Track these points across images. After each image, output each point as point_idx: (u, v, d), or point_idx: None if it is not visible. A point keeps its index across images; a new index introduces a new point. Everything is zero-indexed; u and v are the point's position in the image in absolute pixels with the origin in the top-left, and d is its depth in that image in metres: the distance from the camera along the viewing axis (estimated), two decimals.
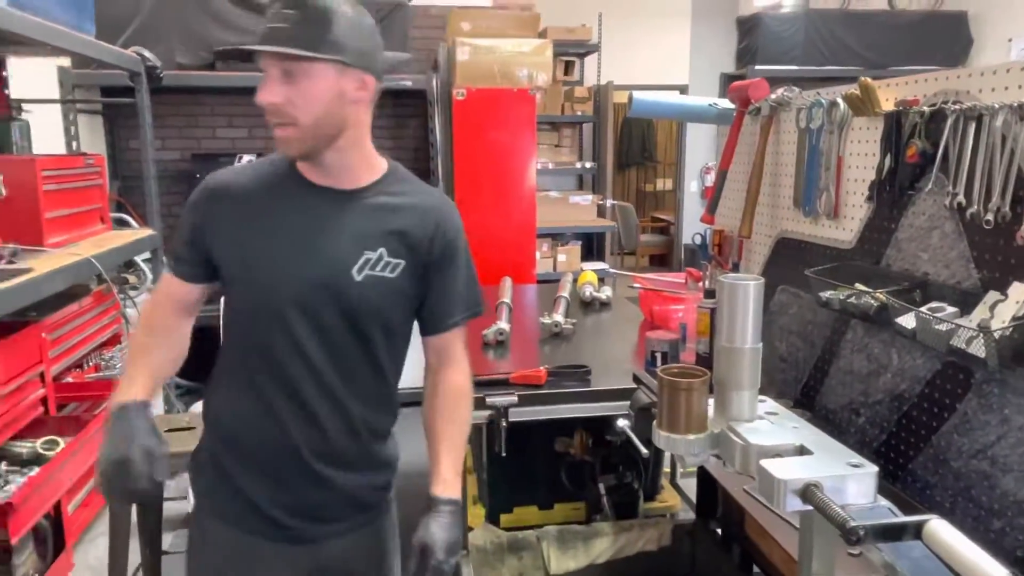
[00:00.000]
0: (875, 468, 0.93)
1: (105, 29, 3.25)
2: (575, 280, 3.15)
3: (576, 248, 5.36)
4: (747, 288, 1.06)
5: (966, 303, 1.38)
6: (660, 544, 2.14)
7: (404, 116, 4.70)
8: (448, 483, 1.26)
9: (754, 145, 2.17)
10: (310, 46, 1.10)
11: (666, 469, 2.78)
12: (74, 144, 3.69)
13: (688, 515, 2.47)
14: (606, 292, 3.04)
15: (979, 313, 1.32)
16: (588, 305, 2.97)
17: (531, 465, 2.38)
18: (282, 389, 1.21)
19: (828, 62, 6.73)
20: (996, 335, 1.24)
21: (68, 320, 2.71)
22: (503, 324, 2.41)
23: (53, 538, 2.41)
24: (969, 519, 1.40)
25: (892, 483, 1.61)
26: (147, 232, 3.28)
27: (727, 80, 6.69)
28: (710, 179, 7.35)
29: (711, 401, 1.11)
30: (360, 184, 1.24)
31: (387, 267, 1.23)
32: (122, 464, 1.09)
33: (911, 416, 1.56)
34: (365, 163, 1.25)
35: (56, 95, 3.76)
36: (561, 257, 5.20)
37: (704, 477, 2.14)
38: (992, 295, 1.33)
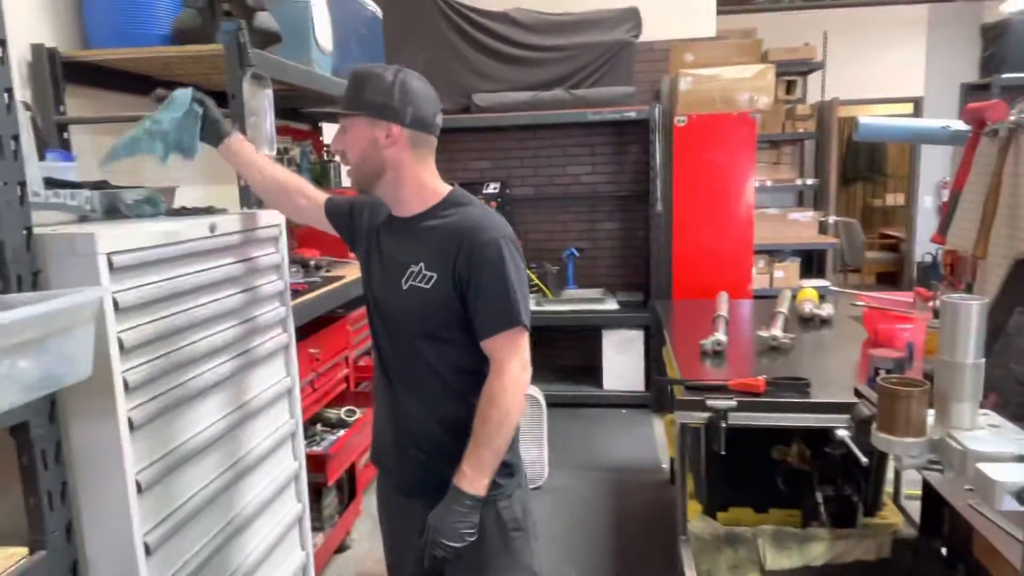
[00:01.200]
0: None
1: None
2: (794, 296, 3.10)
3: (794, 265, 5.18)
4: (970, 308, 1.12)
5: None
6: (879, 555, 2.10)
7: (626, 143, 4.91)
8: (466, 476, 1.34)
9: (990, 165, 2.07)
10: (349, 105, 1.41)
11: (888, 489, 2.67)
12: None
13: (911, 534, 2.37)
14: (827, 309, 2.96)
15: None
16: (807, 321, 2.92)
17: (748, 469, 2.40)
18: (381, 378, 1.51)
19: None
20: None
21: (363, 316, 3.25)
22: (720, 335, 2.48)
23: (348, 487, 2.92)
24: None
25: None
26: None
27: (968, 91, 6.04)
28: (946, 194, 6.66)
29: (931, 412, 1.16)
30: (413, 212, 1.46)
31: (423, 279, 1.40)
32: None
33: None
34: (415, 195, 1.46)
35: None
36: (778, 274, 5.09)
37: (929, 494, 2.07)
38: None
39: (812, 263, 5.86)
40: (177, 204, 1.76)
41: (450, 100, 4.56)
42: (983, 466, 1.00)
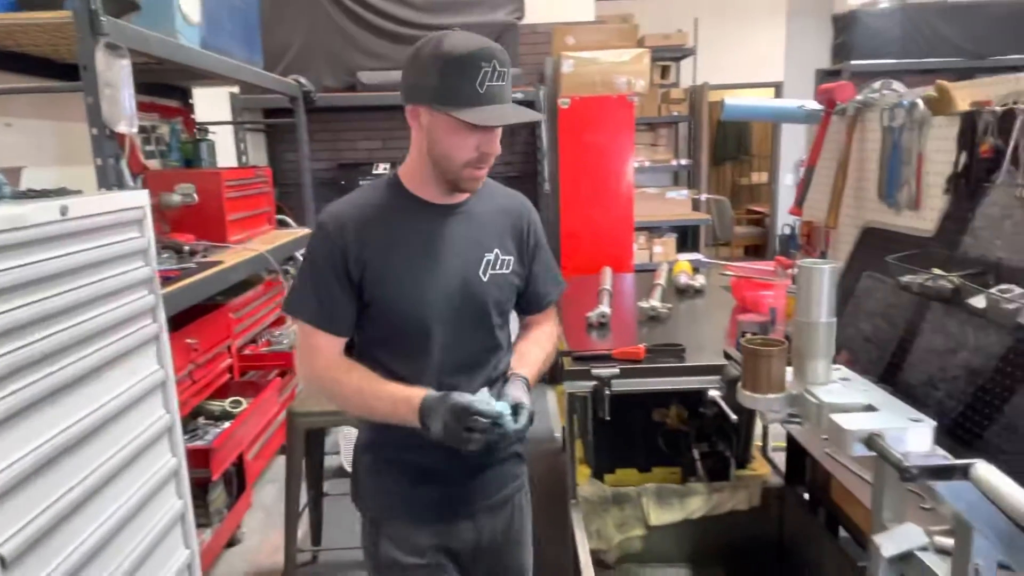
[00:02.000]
0: (933, 422, 1.01)
1: (266, 59, 3.63)
2: (671, 269, 3.19)
3: (671, 240, 5.38)
4: (822, 272, 1.16)
5: None
6: (750, 504, 2.22)
7: (515, 125, 4.90)
8: (520, 364, 1.39)
9: (841, 142, 2.20)
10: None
11: (758, 442, 2.82)
12: (243, 158, 4.12)
13: (778, 483, 2.52)
14: (700, 280, 3.07)
15: None
16: (683, 292, 3.01)
17: (631, 432, 2.46)
18: (433, 386, 1.30)
19: (926, 55, 6.37)
20: None
21: (246, 303, 3.08)
22: (605, 308, 2.51)
23: (237, 480, 2.77)
24: None
25: (968, 452, 1.64)
26: (303, 231, 3.64)
27: (822, 76, 6.46)
28: (803, 171, 7.12)
29: (790, 370, 1.22)
30: (461, 197, 1.34)
31: (501, 264, 1.35)
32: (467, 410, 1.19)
33: (986, 389, 1.59)
34: None
35: (228, 117, 4.21)
36: (657, 248, 5.26)
37: (792, 446, 2.20)
38: None
39: (687, 238, 6.10)
40: (24, 186, 1.57)
41: (334, 78, 4.38)
42: (836, 417, 1.05)
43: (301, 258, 1.35)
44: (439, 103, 1.20)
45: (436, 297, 1.29)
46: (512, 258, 1.36)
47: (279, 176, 5.03)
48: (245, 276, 2.77)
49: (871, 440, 1.00)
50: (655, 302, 2.60)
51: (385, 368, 1.30)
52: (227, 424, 2.62)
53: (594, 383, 2.01)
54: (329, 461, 3.03)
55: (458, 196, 1.33)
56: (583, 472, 2.45)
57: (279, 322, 3.47)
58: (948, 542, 1.33)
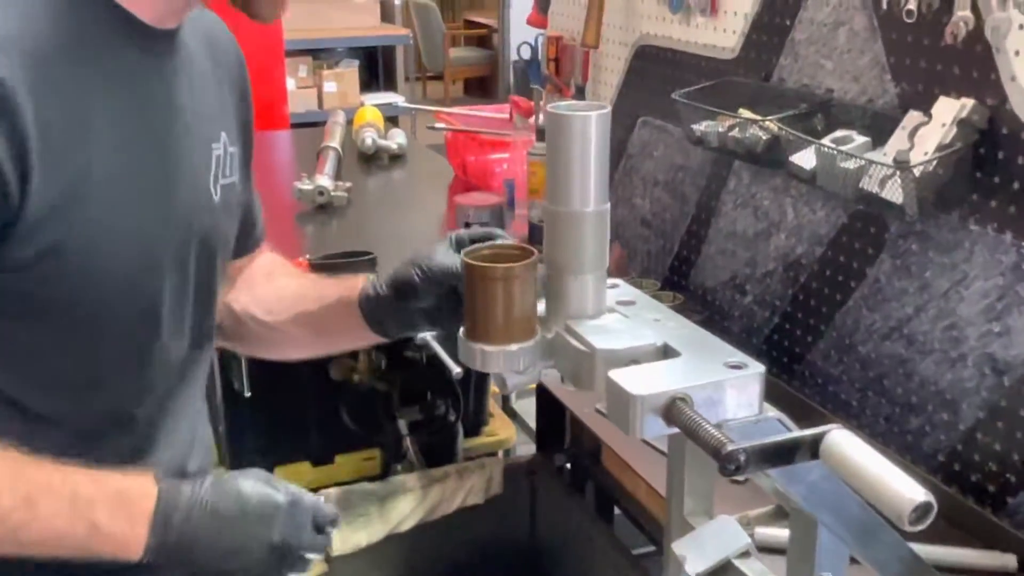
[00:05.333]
0: (761, 368, 0.98)
1: None
2: (350, 122, 3.14)
3: (352, 71, 5.32)
4: (585, 122, 1.06)
5: (880, 130, 1.49)
6: (489, 494, 2.24)
7: None
8: None
9: None
10: None
11: (495, 390, 2.90)
12: None
13: (529, 448, 2.60)
14: (398, 139, 3.05)
15: (896, 143, 1.43)
16: (371, 159, 3.00)
17: (295, 406, 2.42)
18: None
19: None
20: (916, 172, 1.34)
21: None
22: None
23: None
24: (880, 419, 1.57)
25: (788, 380, 1.77)
26: None
27: None
28: None
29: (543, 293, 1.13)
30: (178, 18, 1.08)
31: (230, 166, 1.20)
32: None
33: (810, 289, 1.70)
34: None
35: None
36: (329, 86, 5.19)
37: (545, 398, 2.23)
38: (913, 116, 1.44)
39: (377, 68, 6.04)
40: None
41: None
42: (616, 374, 0.97)
43: None
44: None
45: (167, 243, 1.09)
46: (237, 152, 1.24)
47: None
48: None
49: (675, 410, 0.94)
50: (324, 180, 2.55)
51: (35, 421, 1.03)
52: None
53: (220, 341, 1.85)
54: None
55: (175, 14, 1.07)
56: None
57: None
58: (776, 533, 1.39)
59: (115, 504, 0.97)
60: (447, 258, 1.18)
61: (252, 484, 1.04)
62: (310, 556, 1.08)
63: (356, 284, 1.25)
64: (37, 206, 0.91)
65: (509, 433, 2.73)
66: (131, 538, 0.97)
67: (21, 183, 0.89)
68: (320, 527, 1.07)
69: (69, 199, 0.94)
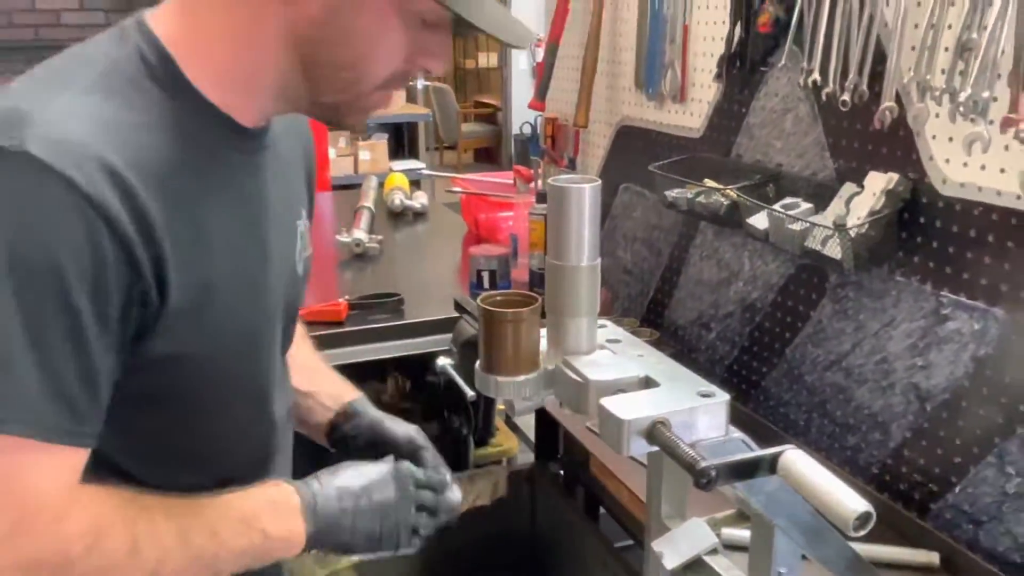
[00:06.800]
0: (726, 396, 0.98)
1: None
2: (381, 185, 3.12)
3: (383, 143, 5.27)
4: (581, 193, 1.05)
5: (821, 197, 1.49)
6: (495, 495, 2.21)
7: None
8: (335, 384, 1.29)
9: (588, 14, 2.17)
10: None
11: (501, 406, 2.88)
12: None
13: (529, 457, 2.57)
14: (421, 199, 3.04)
15: (834, 209, 1.43)
16: (399, 216, 2.97)
17: None
18: (263, 431, 1.13)
19: None
20: (852, 233, 1.34)
21: None
22: None
23: None
24: (824, 437, 1.56)
25: (745, 403, 1.75)
26: None
27: None
28: (542, 53, 7.41)
29: (544, 332, 1.12)
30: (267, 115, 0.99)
31: (305, 239, 1.13)
32: None
33: (764, 328, 1.69)
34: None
35: None
36: (364, 155, 5.11)
37: (543, 416, 2.22)
38: (848, 187, 1.44)
39: (403, 140, 6.02)
40: None
41: None
42: (607, 402, 0.97)
43: None
44: None
45: (270, 327, 1.03)
46: (310, 223, 1.17)
47: None
48: None
49: (655, 432, 0.94)
50: (360, 233, 2.52)
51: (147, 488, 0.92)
52: None
53: None
54: None
55: (268, 117, 0.98)
56: None
57: None
58: (740, 534, 1.38)
59: (272, 511, 0.94)
60: (397, 426, 1.20)
61: (357, 465, 1.02)
62: (428, 504, 1.06)
63: (331, 412, 1.22)
64: (170, 313, 0.84)
65: (512, 444, 2.70)
66: (294, 535, 0.95)
67: (159, 294, 0.83)
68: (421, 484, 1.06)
69: (195, 305, 0.87)
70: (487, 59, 9.90)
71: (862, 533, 0.82)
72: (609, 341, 1.15)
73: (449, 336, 1.92)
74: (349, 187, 3.91)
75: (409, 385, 2.36)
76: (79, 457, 0.81)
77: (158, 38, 0.86)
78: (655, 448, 0.96)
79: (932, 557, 1.31)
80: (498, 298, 1.07)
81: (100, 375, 0.80)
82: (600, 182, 1.05)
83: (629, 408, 0.96)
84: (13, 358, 0.74)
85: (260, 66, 0.89)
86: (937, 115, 1.27)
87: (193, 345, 0.89)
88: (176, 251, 0.83)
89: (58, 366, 0.76)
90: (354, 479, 1.00)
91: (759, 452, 0.91)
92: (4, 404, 0.75)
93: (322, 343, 1.89)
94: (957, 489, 1.32)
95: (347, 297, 2.04)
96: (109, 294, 0.78)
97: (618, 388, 1.03)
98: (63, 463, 0.80)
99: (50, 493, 0.78)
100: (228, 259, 0.91)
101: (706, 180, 1.70)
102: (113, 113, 0.81)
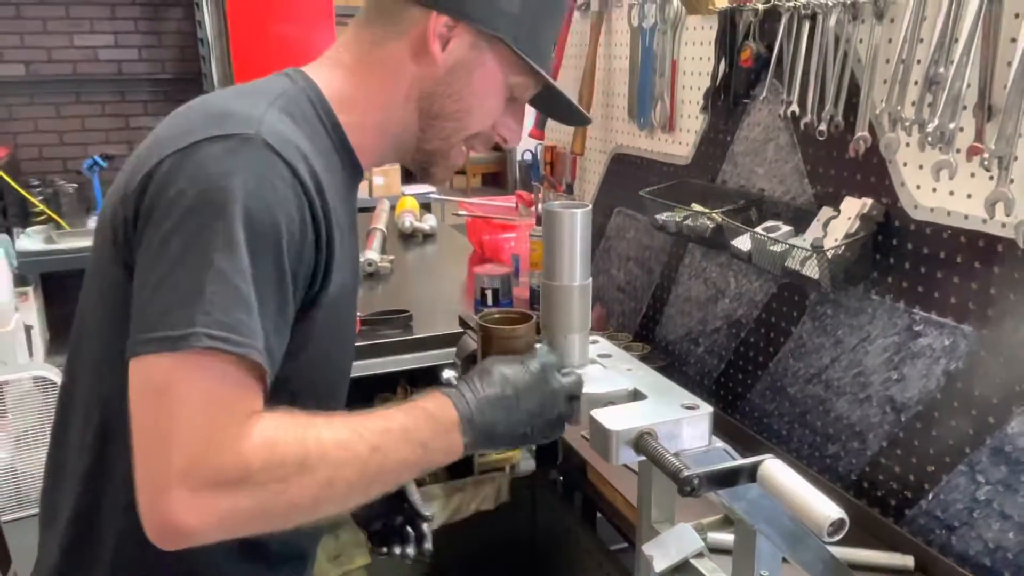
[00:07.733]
0: (710, 409, 0.97)
1: None
2: (393, 208, 3.11)
3: (395, 168, 5.19)
4: (573, 217, 1.06)
5: (801, 221, 1.48)
6: (498, 501, 2.19)
7: (161, 5, 4.33)
8: None
9: (584, 47, 2.18)
10: None
11: None
12: None
13: (530, 465, 2.55)
14: (430, 221, 3.03)
15: (812, 232, 1.42)
16: (409, 237, 2.96)
17: None
18: None
19: None
20: (829, 254, 1.34)
21: None
22: None
23: None
24: (805, 446, 1.54)
25: (731, 414, 1.74)
26: None
27: None
28: None
29: (539, 347, 1.12)
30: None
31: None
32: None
33: (749, 343, 1.68)
34: None
35: None
36: (377, 180, 5.05)
37: None
38: (825, 211, 1.44)
39: None
40: None
41: None
42: (598, 414, 0.96)
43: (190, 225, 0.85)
44: (520, 39, 0.99)
45: (350, 346, 1.17)
46: None
47: None
48: None
49: (642, 442, 0.93)
50: (373, 254, 2.51)
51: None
52: None
53: None
54: None
55: (380, 163, 1.15)
56: None
57: None
58: (723, 537, 1.37)
59: (430, 423, 0.94)
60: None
61: (506, 366, 1.00)
62: (574, 391, 1.02)
63: None
64: (318, 303, 0.95)
65: (514, 452, 2.69)
66: (453, 443, 0.95)
67: (323, 281, 0.95)
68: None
69: (330, 302, 0.97)
70: None
71: (837, 538, 0.81)
72: (600, 356, 1.15)
73: (454, 350, 1.91)
74: (363, 210, 3.88)
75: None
76: (265, 385, 0.87)
77: (318, 86, 1.00)
78: (642, 458, 0.96)
79: (907, 560, 1.30)
80: (496, 315, 1.08)
81: (287, 328, 0.90)
82: (591, 208, 1.05)
83: (617, 419, 0.96)
84: (241, 291, 0.83)
85: (391, 117, 1.03)
86: (908, 144, 1.28)
87: (310, 339, 0.96)
88: (334, 252, 0.95)
89: (268, 309, 0.85)
90: (507, 386, 0.98)
91: (740, 461, 0.91)
92: (243, 332, 0.82)
93: None
94: (931, 496, 1.31)
95: (360, 314, 2.02)
96: (302, 263, 0.90)
97: (608, 401, 1.03)
98: (254, 384, 0.85)
99: (240, 412, 0.83)
100: (347, 274, 1.02)
101: (693, 204, 1.70)
102: (300, 132, 0.95)
